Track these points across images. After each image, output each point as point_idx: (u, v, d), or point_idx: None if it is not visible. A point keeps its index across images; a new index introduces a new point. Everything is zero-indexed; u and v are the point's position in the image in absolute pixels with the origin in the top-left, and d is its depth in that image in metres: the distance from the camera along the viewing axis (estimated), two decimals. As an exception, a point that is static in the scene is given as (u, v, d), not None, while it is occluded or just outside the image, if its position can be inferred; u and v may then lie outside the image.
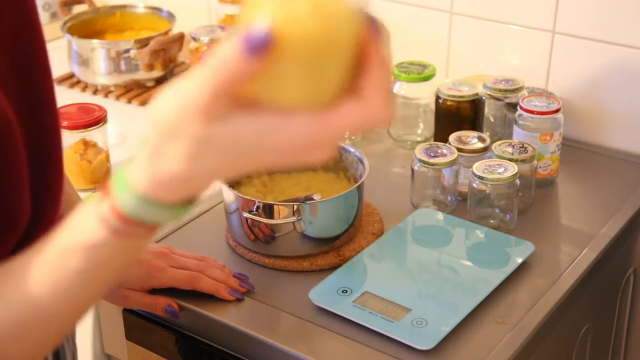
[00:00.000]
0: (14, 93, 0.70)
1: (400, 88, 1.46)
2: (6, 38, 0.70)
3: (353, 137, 1.49)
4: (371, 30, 0.54)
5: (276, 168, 0.59)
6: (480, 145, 1.28)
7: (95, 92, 1.71)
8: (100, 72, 1.70)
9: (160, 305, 1.07)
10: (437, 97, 1.41)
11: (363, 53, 0.54)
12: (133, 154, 0.60)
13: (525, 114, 1.32)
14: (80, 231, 0.62)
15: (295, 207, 1.12)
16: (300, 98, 0.54)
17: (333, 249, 1.17)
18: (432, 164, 1.24)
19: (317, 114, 0.54)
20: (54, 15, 1.97)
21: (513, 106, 1.39)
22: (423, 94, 1.47)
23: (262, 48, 0.51)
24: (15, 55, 0.71)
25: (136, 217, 0.60)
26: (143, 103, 1.67)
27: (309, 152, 0.55)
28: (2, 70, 0.69)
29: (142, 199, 0.59)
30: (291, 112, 0.55)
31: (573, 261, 1.17)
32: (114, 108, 1.59)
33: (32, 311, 0.64)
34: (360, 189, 1.17)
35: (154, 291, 1.07)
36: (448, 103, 1.39)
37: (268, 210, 1.13)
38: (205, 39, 1.65)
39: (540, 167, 1.32)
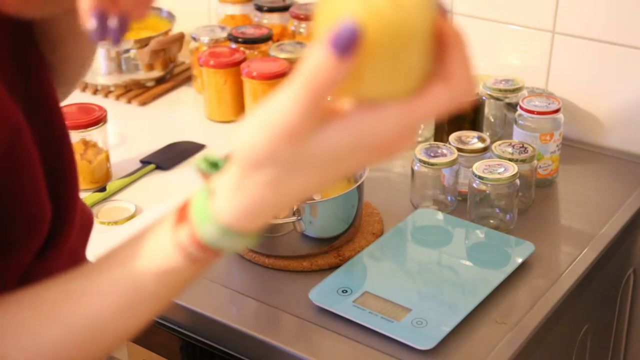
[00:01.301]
0: (21, 97, 0.70)
1: (400, 88, 1.46)
2: (5, 40, 0.70)
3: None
4: (443, 13, 0.54)
5: (363, 168, 0.59)
6: (480, 145, 1.28)
7: (95, 92, 1.71)
8: (100, 72, 1.69)
9: None
10: (437, 97, 1.41)
11: (440, 36, 0.54)
12: (213, 184, 0.59)
13: (525, 114, 1.32)
14: (155, 257, 0.62)
15: (295, 207, 1.12)
16: (388, 90, 0.54)
17: (333, 249, 1.17)
18: (432, 164, 1.24)
19: (406, 103, 0.54)
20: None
21: (513, 106, 1.39)
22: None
23: (351, 46, 0.50)
24: (21, 59, 0.71)
25: (216, 246, 0.60)
26: (143, 103, 1.67)
27: (400, 143, 0.55)
28: (9, 74, 0.69)
29: (225, 230, 0.59)
30: (380, 106, 0.54)
31: (573, 261, 1.17)
32: (114, 108, 1.59)
33: (94, 333, 0.64)
34: (360, 189, 1.17)
35: None
36: (448, 103, 1.39)
37: (268, 210, 1.12)
38: (205, 39, 1.65)
39: (540, 167, 1.32)
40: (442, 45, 0.54)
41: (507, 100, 1.41)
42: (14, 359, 0.63)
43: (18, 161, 0.67)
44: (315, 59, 0.51)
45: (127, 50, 1.68)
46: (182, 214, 0.61)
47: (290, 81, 0.53)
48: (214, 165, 0.61)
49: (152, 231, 0.63)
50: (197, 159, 0.62)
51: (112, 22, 0.63)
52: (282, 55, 1.56)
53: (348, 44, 0.50)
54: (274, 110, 0.53)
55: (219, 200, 0.58)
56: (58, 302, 0.64)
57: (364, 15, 0.52)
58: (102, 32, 0.64)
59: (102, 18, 0.63)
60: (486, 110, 1.43)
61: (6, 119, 0.64)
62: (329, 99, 0.53)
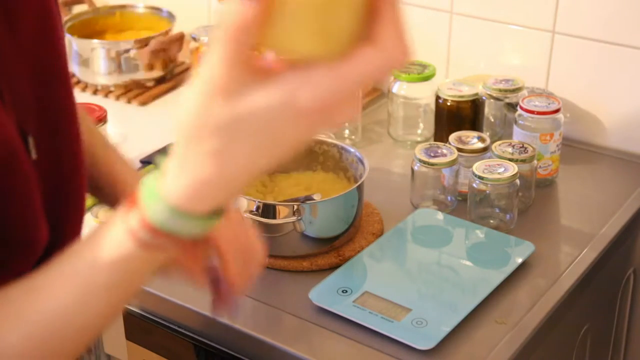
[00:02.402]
0: (32, 111, 0.69)
1: (400, 88, 1.46)
2: (28, 50, 0.70)
3: (353, 137, 1.49)
4: None
5: (306, 141, 0.57)
6: (480, 145, 1.28)
7: (95, 92, 1.71)
8: (100, 72, 1.70)
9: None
10: (437, 97, 1.41)
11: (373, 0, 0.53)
12: (163, 165, 0.58)
13: (525, 114, 1.32)
14: (108, 245, 0.61)
15: (295, 207, 1.12)
16: (314, 48, 0.53)
17: (333, 249, 1.17)
18: (432, 164, 1.24)
19: (336, 65, 0.52)
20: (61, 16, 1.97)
21: (513, 106, 1.39)
22: (423, 94, 1.47)
23: None
24: (36, 68, 0.71)
25: (166, 228, 0.58)
26: (143, 103, 1.67)
27: (335, 109, 0.53)
28: (22, 90, 0.69)
29: (174, 210, 0.57)
30: (309, 67, 0.53)
31: (573, 261, 1.17)
32: (114, 108, 1.59)
33: (58, 329, 0.63)
34: (360, 189, 1.17)
35: None
36: (448, 103, 1.39)
37: (268, 210, 1.13)
38: (205, 39, 1.65)
39: (540, 167, 1.32)
40: (374, 9, 0.53)
41: (507, 100, 1.41)
42: None
43: (9, 186, 0.66)
44: (229, 9, 0.51)
45: (127, 50, 1.68)
46: (132, 199, 0.60)
47: (213, 43, 0.53)
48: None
49: (107, 222, 0.62)
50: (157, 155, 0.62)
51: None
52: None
53: None
54: (203, 71, 0.53)
55: (166, 180, 0.57)
56: (20, 301, 0.63)
57: None
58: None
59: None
60: (486, 110, 1.43)
61: (1, 140, 0.64)
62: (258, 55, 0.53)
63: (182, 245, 0.60)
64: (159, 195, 0.58)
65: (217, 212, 0.59)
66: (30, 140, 0.69)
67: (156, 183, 0.58)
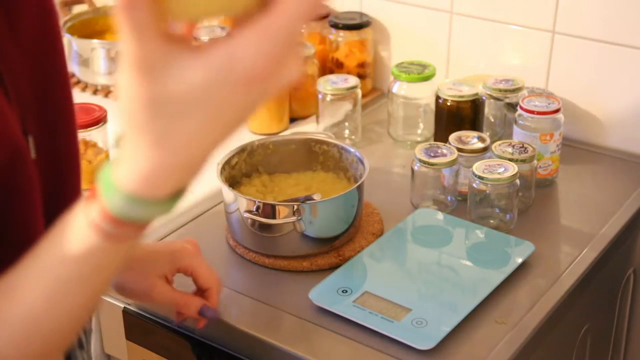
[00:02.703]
0: (32, 111, 0.70)
1: (400, 88, 1.46)
2: (29, 50, 0.70)
3: (353, 137, 1.49)
4: None
5: (254, 109, 0.54)
6: (480, 145, 1.28)
7: (95, 92, 1.71)
8: (100, 72, 1.70)
9: (194, 305, 0.99)
10: (437, 97, 1.41)
11: None
12: (115, 155, 0.58)
13: (525, 114, 1.32)
14: (71, 239, 0.60)
15: (295, 207, 1.12)
16: (221, 7, 0.51)
17: (333, 249, 1.17)
18: (432, 164, 1.24)
19: (257, 22, 0.50)
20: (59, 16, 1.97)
21: (513, 106, 1.39)
22: (423, 94, 1.47)
23: None
24: (36, 68, 0.71)
25: (127, 217, 0.58)
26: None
27: (276, 69, 0.51)
28: (23, 89, 0.69)
29: (130, 197, 0.57)
30: (232, 34, 0.51)
31: (573, 261, 1.17)
32: (114, 108, 1.59)
33: (32, 328, 0.63)
34: (360, 189, 1.17)
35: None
36: (448, 103, 1.39)
37: (268, 210, 1.13)
38: (205, 39, 1.65)
39: (540, 167, 1.32)
40: None
41: (507, 100, 1.41)
42: None
43: (13, 184, 0.66)
44: None
45: (127, 50, 1.68)
46: (92, 191, 0.59)
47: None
48: None
49: (69, 216, 0.62)
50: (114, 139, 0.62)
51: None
52: None
53: None
54: (123, 50, 0.52)
55: (118, 170, 0.57)
56: None
57: None
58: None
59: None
60: (486, 110, 1.43)
61: (7, 138, 0.64)
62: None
63: (142, 229, 0.60)
64: (114, 185, 0.57)
65: (177, 194, 0.58)
66: (30, 140, 0.69)
67: (111, 173, 0.57)
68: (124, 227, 0.59)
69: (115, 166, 0.57)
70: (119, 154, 0.57)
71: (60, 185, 0.74)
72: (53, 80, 0.74)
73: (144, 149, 0.54)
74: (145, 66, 0.51)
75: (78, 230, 0.60)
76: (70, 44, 1.72)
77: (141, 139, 0.54)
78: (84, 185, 1.37)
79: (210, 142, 0.54)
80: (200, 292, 1.02)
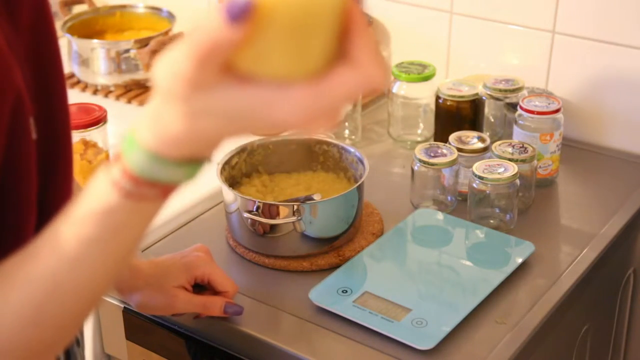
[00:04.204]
0: (31, 93, 0.70)
1: (400, 88, 1.46)
2: (25, 40, 0.70)
3: (353, 137, 1.49)
4: None
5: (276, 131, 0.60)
6: (480, 145, 1.28)
7: (95, 92, 1.71)
8: (100, 72, 1.70)
9: (218, 304, 1.03)
10: (437, 97, 1.41)
11: (346, 19, 0.54)
12: (140, 117, 0.60)
13: (525, 114, 1.32)
14: (93, 199, 0.62)
15: (295, 207, 1.12)
16: (290, 69, 0.54)
17: (333, 249, 1.17)
18: (432, 164, 1.24)
19: (311, 84, 0.54)
20: (54, 15, 1.97)
21: (513, 106, 1.39)
22: (423, 94, 1.47)
23: (242, 15, 0.51)
24: (32, 59, 0.71)
25: (147, 176, 0.60)
26: (143, 103, 1.67)
27: (312, 123, 0.55)
28: (23, 72, 0.69)
29: (151, 156, 0.59)
30: (285, 85, 0.54)
31: (573, 261, 1.17)
32: (114, 108, 1.59)
33: (51, 289, 0.63)
34: (360, 189, 1.17)
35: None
36: (448, 103, 1.39)
37: (268, 210, 1.13)
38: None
39: (540, 167, 1.32)
40: (346, 29, 0.54)
41: (507, 100, 1.41)
42: None
43: (16, 143, 0.66)
44: (208, 22, 0.53)
45: (127, 50, 1.68)
46: (116, 155, 0.61)
47: (190, 33, 0.54)
48: None
49: (93, 178, 0.63)
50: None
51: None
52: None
53: (239, 14, 0.51)
54: (174, 56, 0.55)
55: (142, 128, 0.59)
56: (16, 266, 0.64)
57: None
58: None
59: None
60: (486, 110, 1.43)
61: (13, 81, 0.64)
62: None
63: (165, 193, 0.62)
64: (137, 143, 0.59)
65: (197, 161, 0.60)
66: (31, 121, 0.70)
67: (134, 133, 0.60)
68: (144, 187, 0.60)
69: (139, 126, 0.59)
70: (143, 115, 0.59)
71: (54, 169, 0.75)
72: (48, 66, 0.74)
73: (174, 115, 0.57)
74: (189, 82, 0.54)
75: (99, 190, 0.62)
76: (70, 44, 1.72)
77: (171, 110, 0.57)
78: (83, 185, 1.37)
79: (228, 136, 0.58)
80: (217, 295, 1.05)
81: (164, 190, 0.61)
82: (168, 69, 0.55)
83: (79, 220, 0.62)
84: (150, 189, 0.61)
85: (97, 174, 0.62)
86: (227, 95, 0.55)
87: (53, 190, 0.75)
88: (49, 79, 0.74)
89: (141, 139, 0.59)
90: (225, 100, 0.55)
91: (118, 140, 0.55)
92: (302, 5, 0.52)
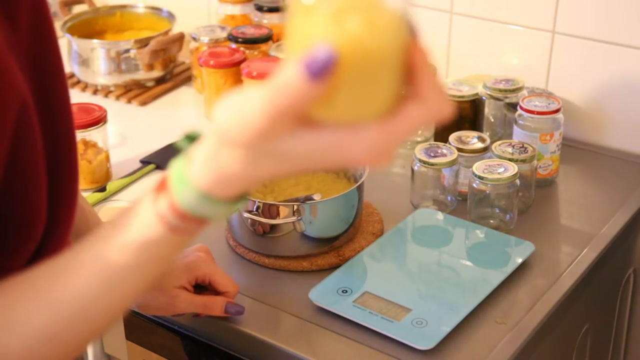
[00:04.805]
0: (31, 97, 0.70)
1: (400, 88, 1.46)
2: (25, 42, 0.70)
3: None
4: (413, 35, 0.55)
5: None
6: (480, 145, 1.28)
7: (95, 92, 1.71)
8: (100, 72, 1.70)
9: (219, 304, 1.03)
10: (437, 97, 1.41)
11: (409, 56, 0.55)
12: (189, 152, 0.61)
13: (525, 114, 1.32)
14: (136, 228, 0.63)
15: (295, 207, 1.12)
16: (359, 114, 0.55)
17: (333, 249, 1.17)
18: (432, 164, 1.24)
19: (382, 124, 0.55)
20: (53, 15, 1.97)
21: (513, 106, 1.39)
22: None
23: (325, 72, 0.52)
24: (31, 58, 0.71)
25: (195, 213, 0.61)
26: (143, 103, 1.67)
27: (377, 161, 0.57)
28: (23, 73, 0.69)
29: (202, 195, 0.60)
30: (354, 127, 0.55)
31: (573, 261, 1.17)
32: (114, 108, 1.59)
33: (82, 309, 0.64)
34: (360, 189, 1.17)
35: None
36: (448, 103, 1.39)
37: (268, 210, 1.13)
38: (205, 39, 1.65)
39: (540, 167, 1.32)
40: (411, 68, 0.56)
41: (507, 100, 1.41)
42: (10, 344, 0.63)
43: (23, 151, 0.67)
44: (288, 76, 0.53)
45: (127, 50, 1.68)
46: (162, 184, 0.62)
47: (268, 84, 0.54)
48: (194, 140, 0.63)
49: (134, 205, 0.64)
50: (179, 137, 0.64)
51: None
52: (282, 55, 1.56)
53: (322, 70, 0.52)
54: (247, 105, 0.55)
55: (195, 166, 0.60)
56: (45, 281, 0.64)
57: (339, 40, 0.52)
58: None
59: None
60: (486, 110, 1.43)
61: (18, 93, 0.65)
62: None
63: (204, 226, 0.63)
64: (188, 181, 0.60)
65: (240, 197, 0.62)
66: (37, 126, 0.70)
67: (185, 169, 0.61)
68: (189, 222, 0.62)
69: (190, 163, 0.60)
70: (197, 152, 0.60)
71: (59, 169, 0.75)
72: (49, 68, 0.74)
73: (228, 160, 0.58)
74: (262, 135, 0.55)
75: (143, 220, 0.63)
76: (70, 44, 1.72)
77: (229, 154, 0.58)
78: (83, 185, 1.37)
79: (283, 177, 0.63)
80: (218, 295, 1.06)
81: (203, 224, 0.63)
82: (237, 118, 0.56)
83: (121, 248, 0.63)
84: (195, 225, 0.62)
85: (143, 201, 0.63)
86: (294, 141, 0.56)
87: (59, 189, 0.75)
88: (50, 80, 0.74)
89: (193, 178, 0.60)
90: (293, 146, 0.56)
91: (167, 169, 0.58)
92: (370, 51, 0.53)
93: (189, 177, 0.60)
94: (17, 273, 0.69)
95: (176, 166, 0.62)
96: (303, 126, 0.55)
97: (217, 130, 0.58)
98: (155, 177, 1.31)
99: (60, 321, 0.64)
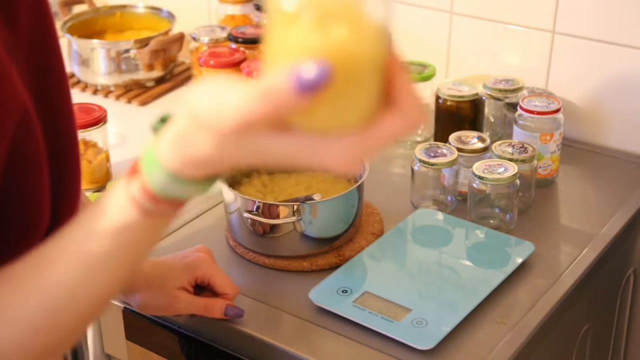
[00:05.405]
0: (32, 97, 0.70)
1: (400, 88, 1.46)
2: (25, 42, 0.70)
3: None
4: (392, 44, 0.56)
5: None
6: (480, 145, 1.28)
7: (95, 92, 1.71)
8: (100, 72, 1.70)
9: (218, 306, 1.03)
10: (437, 97, 1.41)
11: (388, 65, 0.55)
12: (160, 134, 0.61)
13: (525, 114, 1.32)
14: (111, 213, 0.63)
15: (295, 207, 1.12)
16: (341, 124, 0.55)
17: (333, 249, 1.17)
18: (432, 164, 1.24)
19: (359, 134, 0.55)
20: (54, 15, 1.97)
21: (513, 106, 1.39)
22: (423, 94, 1.47)
23: (316, 89, 0.52)
24: (33, 60, 0.71)
25: (166, 194, 0.61)
26: (143, 103, 1.67)
27: (350, 168, 0.57)
28: (24, 72, 0.69)
29: (172, 176, 0.60)
30: (329, 136, 0.55)
31: (573, 261, 1.17)
32: (114, 108, 1.59)
33: (65, 298, 0.64)
34: (360, 189, 1.16)
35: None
36: (448, 103, 1.39)
37: (268, 210, 1.13)
38: (205, 39, 1.65)
39: (540, 167, 1.32)
40: (390, 75, 0.56)
41: (507, 100, 1.41)
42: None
43: (25, 153, 0.67)
44: (275, 84, 0.52)
45: (127, 50, 1.68)
46: (134, 167, 0.62)
47: (255, 82, 0.54)
48: (167, 121, 0.63)
49: (109, 191, 0.64)
50: (153, 119, 0.64)
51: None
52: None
53: (314, 86, 0.52)
54: (229, 98, 0.55)
55: (164, 147, 0.60)
56: (28, 273, 0.64)
57: (325, 48, 0.52)
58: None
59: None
60: (486, 110, 1.43)
61: (18, 102, 0.65)
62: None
63: (178, 209, 0.63)
64: (158, 163, 0.60)
65: (211, 178, 0.62)
66: (39, 129, 0.70)
67: (155, 151, 0.61)
68: (162, 204, 0.62)
69: (160, 146, 0.60)
70: (166, 134, 0.60)
71: (61, 170, 0.75)
72: (50, 70, 0.74)
73: (207, 143, 0.57)
74: (238, 130, 0.55)
75: (117, 206, 0.63)
76: (70, 44, 1.72)
77: (200, 135, 0.57)
78: (83, 185, 1.37)
79: (256, 166, 0.61)
80: (217, 296, 1.05)
81: (178, 206, 0.63)
82: (215, 107, 0.55)
83: (97, 234, 0.63)
84: (167, 207, 0.62)
85: (116, 187, 0.64)
86: (268, 141, 0.56)
87: (62, 188, 0.75)
88: (51, 79, 0.74)
89: (164, 159, 0.60)
90: (266, 146, 0.56)
91: (137, 154, 0.58)
92: (353, 61, 0.52)
93: (157, 157, 0.60)
94: None
95: (147, 148, 0.62)
96: (279, 129, 0.55)
97: (191, 113, 0.58)
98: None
99: (46, 311, 0.64)
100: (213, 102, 0.56)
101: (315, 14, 0.52)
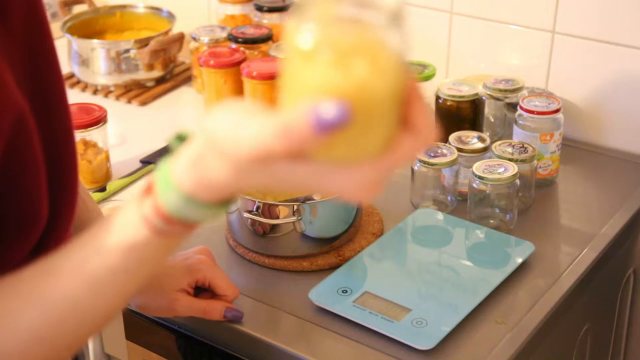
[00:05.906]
0: (27, 95, 0.70)
1: (400, 88, 1.46)
2: (18, 40, 0.70)
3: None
4: (410, 74, 0.56)
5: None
6: (480, 145, 1.28)
7: (95, 92, 1.71)
8: (100, 72, 1.70)
9: (218, 309, 1.03)
10: (437, 97, 1.41)
11: (407, 92, 0.56)
12: (176, 154, 0.61)
13: (525, 114, 1.32)
14: (122, 231, 0.63)
15: (295, 207, 1.12)
16: (359, 156, 0.55)
17: (333, 249, 1.17)
18: (432, 164, 1.24)
19: (376, 161, 0.56)
20: (54, 15, 1.97)
21: (513, 106, 1.39)
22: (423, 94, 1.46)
23: (336, 129, 0.52)
24: (27, 58, 0.71)
25: (180, 216, 0.61)
26: (143, 103, 1.67)
27: (367, 194, 0.58)
28: (20, 72, 0.69)
29: (186, 198, 0.60)
30: (344, 166, 0.56)
31: (573, 261, 1.17)
32: (114, 108, 1.59)
33: (70, 311, 0.64)
34: (360, 189, 1.16)
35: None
36: (448, 103, 1.39)
37: (268, 210, 1.13)
38: (205, 39, 1.65)
39: (540, 167, 1.32)
40: (407, 101, 0.56)
41: (507, 100, 1.41)
42: (0, 344, 0.63)
43: (19, 155, 0.67)
44: (295, 120, 0.52)
45: (127, 50, 1.68)
46: (148, 187, 0.62)
47: (275, 114, 0.54)
48: (184, 140, 0.63)
49: (122, 208, 0.64)
50: (170, 136, 0.64)
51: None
52: (282, 55, 1.56)
53: (333, 126, 0.52)
54: (247, 131, 0.55)
55: (179, 169, 0.60)
56: (34, 282, 0.64)
57: (345, 87, 0.52)
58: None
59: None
60: (486, 110, 1.43)
61: (13, 103, 0.65)
62: None
63: (191, 230, 0.63)
64: (173, 184, 0.60)
65: (227, 201, 0.62)
66: (35, 130, 0.70)
67: (170, 172, 0.60)
68: (174, 225, 0.62)
69: (175, 167, 0.60)
70: (182, 156, 0.60)
71: (58, 171, 0.75)
72: (45, 69, 0.74)
73: (223, 169, 0.58)
74: (255, 160, 0.55)
75: (128, 223, 0.63)
76: (70, 44, 1.72)
77: (217, 159, 0.57)
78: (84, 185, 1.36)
79: (271, 190, 0.61)
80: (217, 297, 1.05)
81: (190, 227, 0.63)
82: (233, 133, 0.55)
83: (106, 250, 0.63)
84: (180, 228, 0.62)
85: (128, 204, 0.63)
86: (285, 169, 0.56)
87: (60, 185, 0.75)
88: (46, 75, 0.74)
89: (178, 182, 0.60)
90: (283, 173, 0.56)
91: (151, 174, 0.58)
92: (373, 97, 0.52)
93: (172, 179, 0.60)
94: (18, 266, 0.69)
95: (162, 168, 0.62)
96: (296, 158, 0.55)
97: (209, 136, 0.58)
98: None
99: (50, 322, 0.64)
100: (232, 130, 0.56)
101: (333, 51, 0.52)
